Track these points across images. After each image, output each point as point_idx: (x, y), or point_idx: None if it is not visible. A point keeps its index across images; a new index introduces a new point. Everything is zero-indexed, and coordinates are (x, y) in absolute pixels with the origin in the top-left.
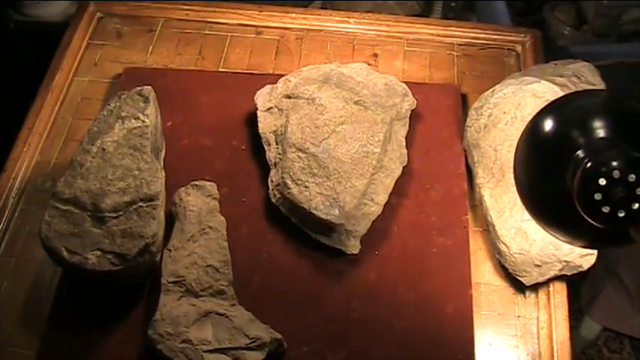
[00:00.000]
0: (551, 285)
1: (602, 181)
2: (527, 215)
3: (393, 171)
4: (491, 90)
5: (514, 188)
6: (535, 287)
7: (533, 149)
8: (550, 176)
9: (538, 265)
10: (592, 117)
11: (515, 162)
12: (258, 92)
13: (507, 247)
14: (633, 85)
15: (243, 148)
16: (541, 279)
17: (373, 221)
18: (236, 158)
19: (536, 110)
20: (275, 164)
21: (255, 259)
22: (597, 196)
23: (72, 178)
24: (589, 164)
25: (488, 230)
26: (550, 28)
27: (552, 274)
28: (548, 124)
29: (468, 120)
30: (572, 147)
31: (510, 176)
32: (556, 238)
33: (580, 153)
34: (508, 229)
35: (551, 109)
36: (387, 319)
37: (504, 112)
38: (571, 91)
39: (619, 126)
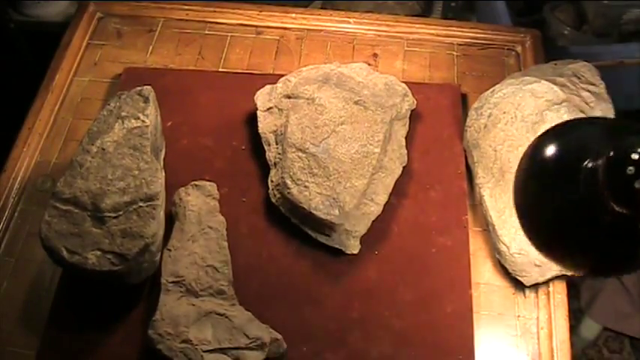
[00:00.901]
0: (551, 285)
1: (635, 156)
2: None
3: (393, 171)
4: (491, 90)
5: None
6: (535, 287)
7: (535, 174)
8: (556, 198)
9: (538, 265)
10: (594, 142)
11: (515, 189)
12: (258, 92)
13: (507, 247)
14: None
15: (243, 148)
16: (541, 279)
17: (373, 221)
18: (236, 158)
19: (536, 111)
20: (275, 164)
21: (254, 259)
22: (630, 170)
23: (72, 178)
24: (613, 150)
25: (488, 230)
26: (550, 28)
27: (552, 274)
28: (550, 150)
29: (468, 120)
30: (578, 162)
31: (510, 176)
32: (561, 266)
33: (589, 163)
34: (508, 229)
35: (552, 135)
36: (386, 319)
37: (504, 112)
38: (571, 91)
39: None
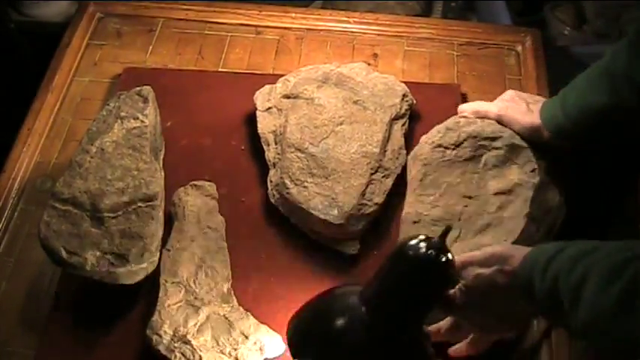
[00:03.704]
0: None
1: (422, 244)
2: None
3: (392, 171)
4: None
5: None
6: None
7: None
8: None
9: None
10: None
11: None
12: (258, 92)
13: None
14: None
15: (243, 148)
16: None
17: (372, 221)
18: (235, 158)
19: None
20: (274, 164)
21: (254, 259)
22: (432, 253)
23: (71, 178)
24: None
25: None
26: (550, 28)
27: None
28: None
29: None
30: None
31: None
32: None
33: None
34: None
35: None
36: None
37: None
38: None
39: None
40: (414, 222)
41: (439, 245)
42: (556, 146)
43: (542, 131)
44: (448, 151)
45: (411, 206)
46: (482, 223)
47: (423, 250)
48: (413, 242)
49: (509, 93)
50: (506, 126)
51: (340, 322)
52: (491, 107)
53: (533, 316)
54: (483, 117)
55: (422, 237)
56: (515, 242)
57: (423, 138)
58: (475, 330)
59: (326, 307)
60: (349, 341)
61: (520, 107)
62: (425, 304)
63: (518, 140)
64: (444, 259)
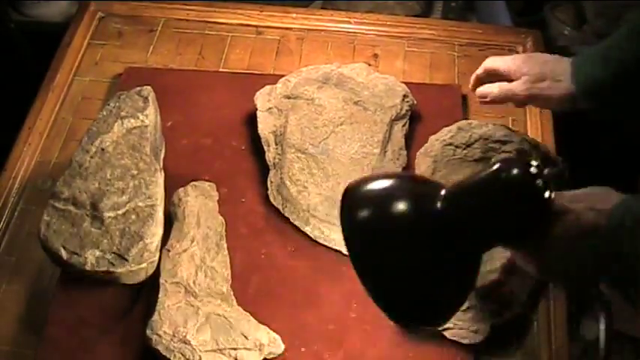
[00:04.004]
0: (550, 286)
1: (534, 170)
2: None
3: None
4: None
5: None
6: (534, 288)
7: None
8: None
9: None
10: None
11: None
12: (258, 92)
13: None
14: None
15: (243, 148)
16: None
17: None
18: (235, 158)
19: None
20: (274, 165)
21: (253, 259)
22: (539, 183)
23: (71, 177)
24: (512, 170)
25: None
26: (550, 28)
27: None
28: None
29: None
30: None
31: None
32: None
33: (443, 192)
34: None
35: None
36: (384, 320)
37: None
38: None
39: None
40: None
41: (547, 179)
42: (586, 112)
43: (576, 97)
44: (459, 150)
45: None
46: None
47: (532, 177)
48: (522, 165)
49: (517, 62)
50: (538, 106)
51: (407, 205)
52: (517, 88)
53: (593, 279)
54: (510, 99)
55: (534, 163)
56: None
57: (433, 137)
58: (528, 269)
59: (394, 186)
60: (410, 228)
61: (543, 81)
62: (507, 233)
63: (527, 146)
64: (547, 196)
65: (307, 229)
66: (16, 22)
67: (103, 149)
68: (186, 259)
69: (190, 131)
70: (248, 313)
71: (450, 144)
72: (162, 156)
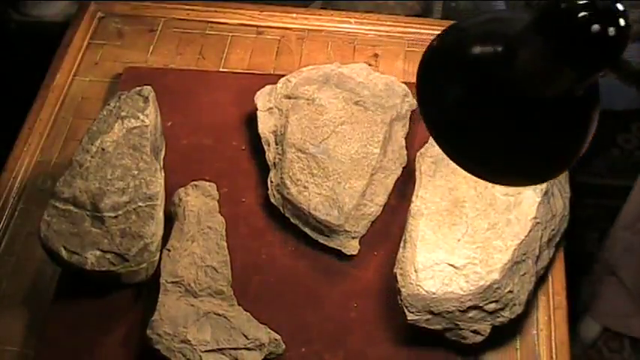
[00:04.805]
0: (550, 286)
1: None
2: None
3: (393, 172)
4: None
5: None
6: (534, 288)
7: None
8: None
9: None
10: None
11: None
12: (258, 92)
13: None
14: None
15: (243, 148)
16: None
17: (372, 222)
18: (236, 158)
19: None
20: (274, 164)
21: (254, 259)
22: (583, 15)
23: (71, 177)
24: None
25: None
26: None
27: None
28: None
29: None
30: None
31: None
32: (491, 178)
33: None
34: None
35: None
36: (385, 320)
37: None
38: None
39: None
40: (422, 215)
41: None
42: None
43: None
44: None
45: (420, 200)
46: (489, 222)
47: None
48: None
49: None
50: None
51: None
52: None
53: None
54: None
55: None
56: (520, 245)
57: None
58: None
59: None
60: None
61: None
62: None
63: None
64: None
65: (307, 229)
66: (16, 22)
67: (103, 149)
68: (186, 258)
69: (190, 131)
70: (248, 313)
71: None
72: (162, 156)
